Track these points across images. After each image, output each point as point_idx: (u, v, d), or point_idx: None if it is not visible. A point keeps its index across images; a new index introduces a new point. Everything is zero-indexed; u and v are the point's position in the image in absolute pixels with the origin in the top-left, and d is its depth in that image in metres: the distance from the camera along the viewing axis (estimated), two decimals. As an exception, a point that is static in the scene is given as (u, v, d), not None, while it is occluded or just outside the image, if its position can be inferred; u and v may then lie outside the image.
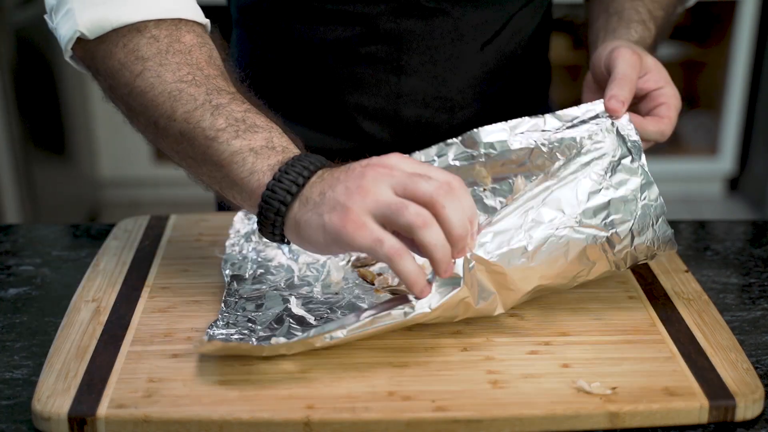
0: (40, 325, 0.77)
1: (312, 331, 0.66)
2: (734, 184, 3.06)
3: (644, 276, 0.82)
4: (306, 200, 0.67)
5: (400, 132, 0.97)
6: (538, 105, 1.07)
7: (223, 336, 0.69)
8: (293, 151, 0.70)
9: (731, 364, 0.68)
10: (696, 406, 0.64)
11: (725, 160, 2.97)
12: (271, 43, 0.98)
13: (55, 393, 0.64)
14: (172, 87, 0.73)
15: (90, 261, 0.85)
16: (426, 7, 0.91)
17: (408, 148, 0.92)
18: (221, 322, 0.71)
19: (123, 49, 0.75)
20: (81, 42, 0.77)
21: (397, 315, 0.66)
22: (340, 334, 0.66)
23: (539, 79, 1.08)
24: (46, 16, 0.81)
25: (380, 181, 0.64)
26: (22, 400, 0.66)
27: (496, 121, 0.83)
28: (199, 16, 0.79)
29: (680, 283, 0.81)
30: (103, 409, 0.63)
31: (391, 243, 0.63)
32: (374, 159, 0.67)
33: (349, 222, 0.63)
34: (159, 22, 0.76)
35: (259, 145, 0.70)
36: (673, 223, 0.96)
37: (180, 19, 0.77)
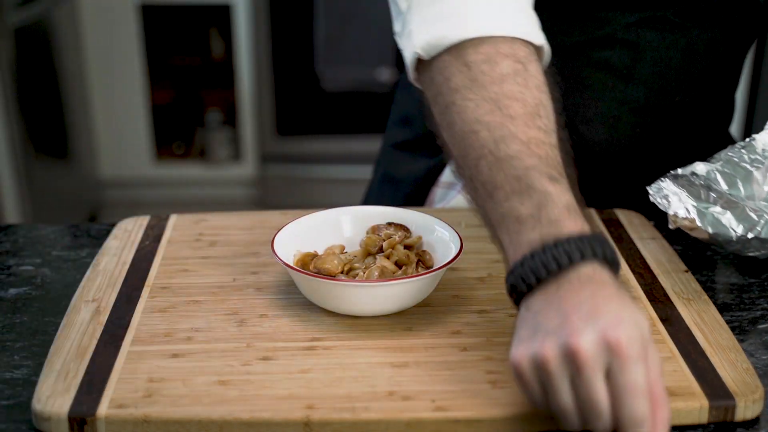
0: (40, 325, 0.77)
1: None
2: (734, 184, 3.06)
3: (644, 276, 0.82)
4: (537, 296, 0.61)
5: (617, 137, 0.98)
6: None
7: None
8: (561, 226, 0.62)
9: (731, 364, 0.68)
10: (696, 406, 0.64)
11: (725, 160, 2.97)
12: None
13: (55, 393, 0.64)
14: (468, 128, 0.69)
15: (90, 261, 0.85)
16: (671, 21, 0.93)
17: (621, 153, 0.94)
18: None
19: (439, 76, 0.73)
20: (420, 63, 0.76)
21: None
22: None
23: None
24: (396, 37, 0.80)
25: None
26: (22, 400, 0.66)
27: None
28: (530, 34, 0.75)
29: (680, 283, 0.81)
30: (103, 409, 0.63)
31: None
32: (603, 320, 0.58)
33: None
34: (478, 44, 0.72)
35: (527, 213, 0.64)
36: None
37: (500, 38, 0.73)
